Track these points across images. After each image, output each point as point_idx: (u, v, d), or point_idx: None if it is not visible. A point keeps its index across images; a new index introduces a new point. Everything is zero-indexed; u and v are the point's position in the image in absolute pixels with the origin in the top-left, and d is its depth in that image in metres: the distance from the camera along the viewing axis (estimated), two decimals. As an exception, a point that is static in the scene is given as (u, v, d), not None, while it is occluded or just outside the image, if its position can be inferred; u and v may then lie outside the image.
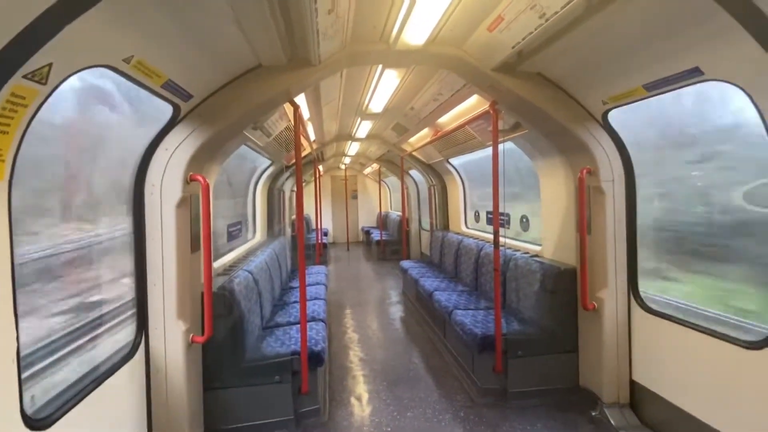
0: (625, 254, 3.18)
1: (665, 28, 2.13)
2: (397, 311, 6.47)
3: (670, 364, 2.84)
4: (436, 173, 7.74)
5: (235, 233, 5.17)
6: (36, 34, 1.32)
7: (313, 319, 4.05)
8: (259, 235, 6.40)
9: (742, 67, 2.00)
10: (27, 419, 1.58)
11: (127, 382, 2.39)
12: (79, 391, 1.97)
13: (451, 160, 6.99)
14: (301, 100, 4.12)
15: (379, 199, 12.99)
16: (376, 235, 11.90)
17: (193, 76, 2.40)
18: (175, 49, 2.07)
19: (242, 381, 3.07)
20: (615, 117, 3.07)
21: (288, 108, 3.86)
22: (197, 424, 2.84)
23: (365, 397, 3.70)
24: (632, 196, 3.16)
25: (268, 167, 6.27)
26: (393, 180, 12.24)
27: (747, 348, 2.27)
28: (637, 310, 3.12)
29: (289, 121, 4.16)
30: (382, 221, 12.52)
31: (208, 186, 2.76)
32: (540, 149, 3.86)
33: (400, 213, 10.64)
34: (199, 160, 2.78)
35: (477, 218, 6.93)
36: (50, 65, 1.43)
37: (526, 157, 4.23)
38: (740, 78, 2.05)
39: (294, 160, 5.76)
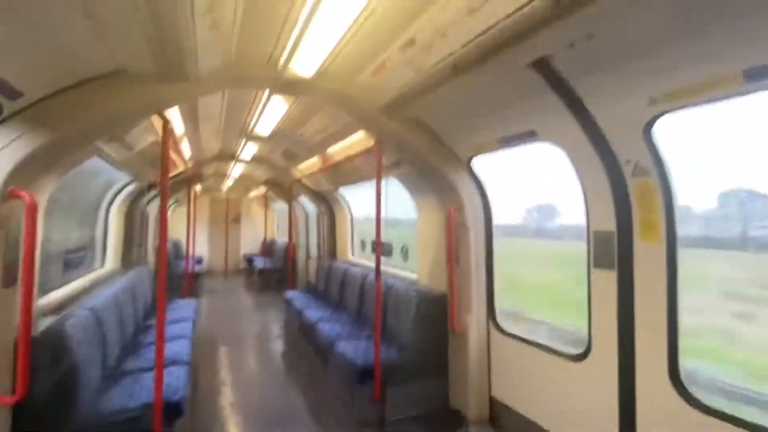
0: (485, 282, 3.63)
1: (513, 95, 2.60)
2: (277, 346, 6.08)
3: (518, 378, 3.28)
4: (325, 201, 7.76)
5: (75, 261, 4.24)
6: None
7: (174, 363, 3.51)
8: (111, 263, 5.40)
9: (563, 134, 2.56)
10: None
11: None
12: None
13: (339, 190, 7.12)
14: (174, 113, 3.73)
15: (265, 225, 12.33)
16: (259, 263, 11.17)
17: (23, 72, 1.97)
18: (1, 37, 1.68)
19: None
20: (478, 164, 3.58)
21: (157, 121, 3.44)
22: None
23: (234, 447, 3.31)
24: (490, 234, 3.66)
25: (128, 184, 5.42)
26: (281, 205, 11.82)
27: (574, 360, 2.77)
28: (494, 332, 3.56)
29: (158, 135, 3.70)
30: (268, 248, 11.86)
31: (35, 205, 2.23)
32: (417, 187, 4.23)
33: (287, 240, 10.25)
34: (27, 173, 2.25)
35: (363, 247, 7.12)
36: None
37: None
38: (562, 142, 2.62)
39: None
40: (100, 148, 3.13)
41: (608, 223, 2.50)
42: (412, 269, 5.04)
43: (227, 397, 4.25)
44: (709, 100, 1.89)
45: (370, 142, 4.17)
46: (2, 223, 2.15)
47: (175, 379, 3.09)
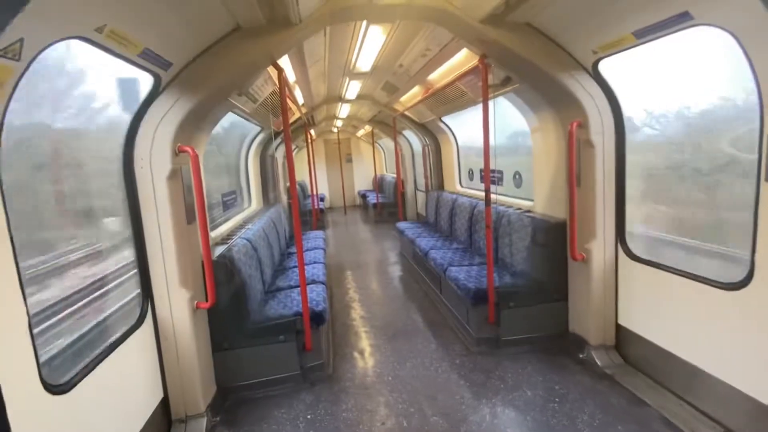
0: (614, 205, 3.25)
1: None
2: (395, 271, 6.66)
3: (654, 307, 3.00)
4: (430, 133, 7.65)
5: (230, 203, 5.20)
6: (2, 9, 1.28)
7: (313, 282, 4.18)
8: (255, 203, 6.44)
9: (734, 11, 1.95)
10: (47, 385, 1.70)
11: (138, 348, 2.52)
12: (92, 359, 2.09)
13: (443, 119, 6.89)
14: (285, 62, 4.00)
15: (374, 162, 12.91)
16: (372, 198, 11.95)
17: (170, 43, 2.33)
18: (148, 14, 1.99)
19: (249, 341, 3.24)
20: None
21: (272, 71, 3.76)
22: (209, 383, 3.03)
23: (367, 350, 3.92)
24: (621, 148, 3.17)
25: (258, 134, 6.19)
26: (387, 142, 12.12)
27: (727, 290, 2.39)
28: (623, 258, 3.24)
29: (275, 85, 4.05)
30: (378, 184, 12.53)
31: (197, 156, 2.76)
32: (531, 104, 3.81)
33: (395, 175, 10.62)
34: (186, 131, 2.76)
35: (471, 176, 6.95)
36: (21, 40, 1.39)
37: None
38: (731, 23, 2.00)
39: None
40: (233, 103, 3.60)
41: None
42: (526, 198, 4.78)
43: (357, 311, 4.95)
44: None
45: (474, 61, 3.85)
46: (177, 174, 2.74)
47: (316, 295, 3.71)
